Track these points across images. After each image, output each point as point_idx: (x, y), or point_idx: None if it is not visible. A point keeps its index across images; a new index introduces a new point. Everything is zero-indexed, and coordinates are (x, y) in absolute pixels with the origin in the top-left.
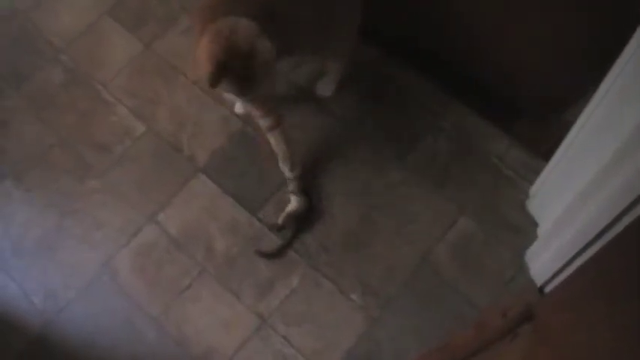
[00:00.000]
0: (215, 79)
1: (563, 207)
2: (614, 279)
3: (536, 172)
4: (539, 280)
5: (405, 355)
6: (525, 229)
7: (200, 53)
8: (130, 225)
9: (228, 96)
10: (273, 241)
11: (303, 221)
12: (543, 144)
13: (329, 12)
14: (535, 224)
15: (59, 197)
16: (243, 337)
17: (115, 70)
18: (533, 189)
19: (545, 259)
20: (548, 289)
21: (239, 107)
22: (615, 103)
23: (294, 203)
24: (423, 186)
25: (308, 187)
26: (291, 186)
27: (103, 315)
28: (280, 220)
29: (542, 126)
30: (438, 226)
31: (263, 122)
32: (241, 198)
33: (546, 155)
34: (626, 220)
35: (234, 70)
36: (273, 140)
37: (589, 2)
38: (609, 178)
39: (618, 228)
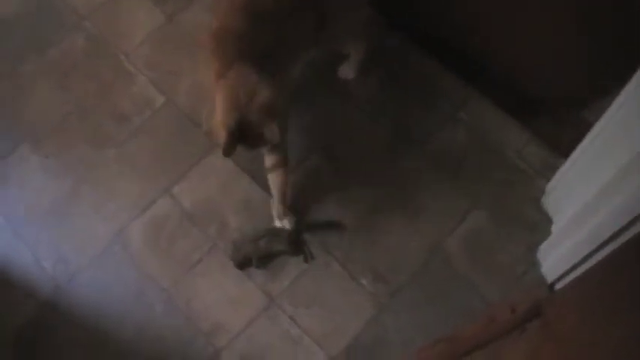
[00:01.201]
0: (228, 152)
1: (578, 206)
2: (622, 284)
3: (554, 169)
4: (550, 277)
5: (411, 344)
6: (539, 226)
7: (216, 114)
8: (144, 196)
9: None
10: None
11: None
12: (562, 142)
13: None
14: (549, 221)
15: (76, 165)
16: (250, 315)
17: (137, 41)
18: (550, 186)
19: (558, 257)
20: (558, 286)
21: None
22: (635, 111)
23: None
24: (439, 176)
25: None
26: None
27: (112, 285)
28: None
29: (561, 124)
30: (452, 217)
31: (268, 159)
32: (258, 176)
33: (564, 153)
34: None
35: (247, 141)
36: (274, 180)
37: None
38: (625, 183)
39: (631, 232)
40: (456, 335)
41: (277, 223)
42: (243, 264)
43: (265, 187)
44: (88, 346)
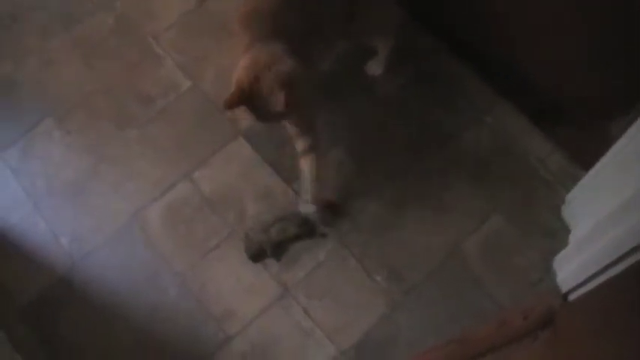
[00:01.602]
0: (230, 104)
1: (596, 219)
2: (636, 300)
3: (575, 180)
4: (564, 287)
5: (422, 343)
6: (557, 234)
7: (235, 72)
8: (164, 179)
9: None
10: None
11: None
12: (585, 153)
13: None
14: (567, 230)
15: (98, 143)
16: (264, 304)
17: (166, 24)
18: (570, 196)
19: (573, 267)
20: (572, 296)
21: None
22: None
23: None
24: (461, 178)
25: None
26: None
27: (127, 264)
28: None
29: (586, 135)
30: (471, 220)
31: (298, 143)
32: (278, 166)
33: (587, 165)
34: None
35: (254, 103)
36: (304, 166)
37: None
38: None
39: None
40: (467, 337)
41: (302, 209)
42: (257, 255)
43: (285, 178)
44: (100, 323)
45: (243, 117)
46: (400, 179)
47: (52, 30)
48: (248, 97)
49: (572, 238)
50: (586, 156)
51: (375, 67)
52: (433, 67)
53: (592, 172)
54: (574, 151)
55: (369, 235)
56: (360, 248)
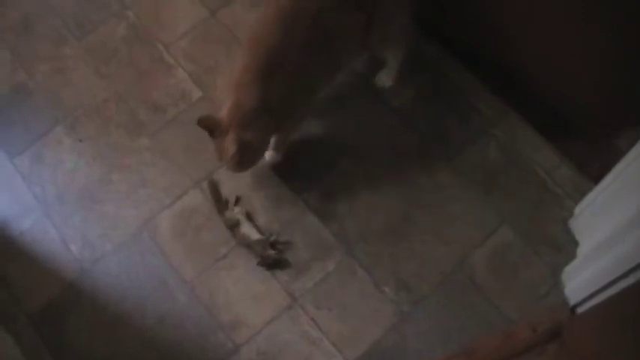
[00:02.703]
0: (202, 124)
1: (605, 232)
2: None
3: (583, 193)
4: (572, 300)
5: (429, 354)
6: (565, 247)
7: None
8: (175, 187)
9: None
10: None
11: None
12: (593, 167)
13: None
14: (575, 243)
15: (109, 150)
16: (272, 313)
17: (178, 33)
18: (578, 209)
19: (581, 280)
20: (580, 309)
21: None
22: None
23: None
24: (469, 190)
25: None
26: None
27: (137, 271)
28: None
29: (594, 148)
30: (479, 232)
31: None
32: (288, 177)
33: (595, 178)
34: None
35: (216, 141)
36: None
37: None
38: None
39: None
40: (475, 348)
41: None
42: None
43: (295, 188)
44: (108, 329)
45: None
46: (408, 190)
47: (64, 38)
48: (217, 134)
49: (580, 251)
50: (594, 169)
51: (384, 79)
52: (442, 78)
53: (600, 184)
54: (582, 163)
55: (377, 246)
56: (368, 259)
